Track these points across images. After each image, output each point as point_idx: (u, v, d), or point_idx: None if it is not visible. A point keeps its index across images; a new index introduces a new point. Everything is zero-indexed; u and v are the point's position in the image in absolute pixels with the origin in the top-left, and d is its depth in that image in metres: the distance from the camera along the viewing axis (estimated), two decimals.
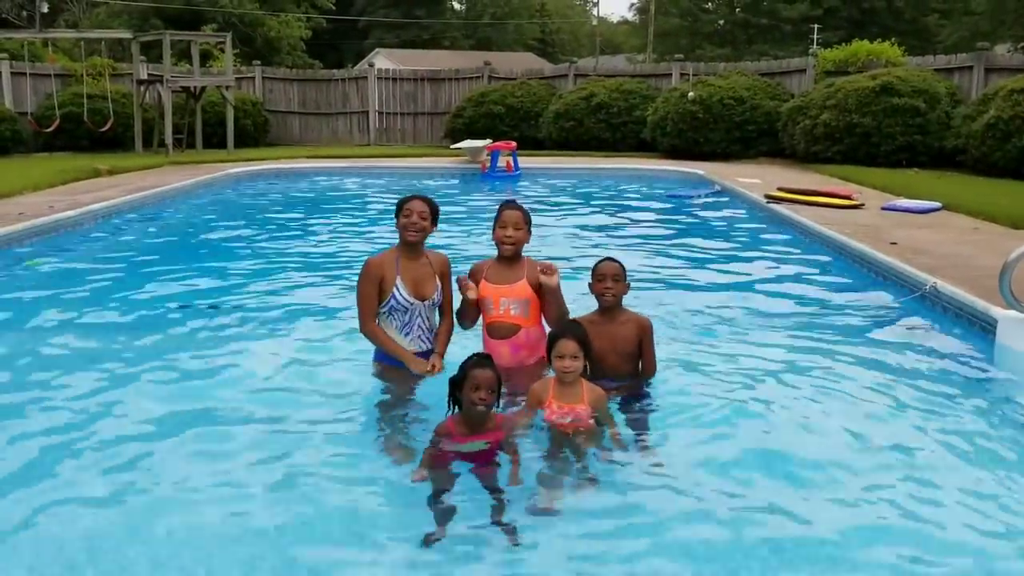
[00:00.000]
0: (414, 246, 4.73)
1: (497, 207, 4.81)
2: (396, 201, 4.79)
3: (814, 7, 47.66)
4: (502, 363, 4.61)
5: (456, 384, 3.82)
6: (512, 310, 4.65)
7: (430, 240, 4.86)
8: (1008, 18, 31.85)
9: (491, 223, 4.76)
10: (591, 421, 4.02)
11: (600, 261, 4.64)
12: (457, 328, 4.91)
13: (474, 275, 4.78)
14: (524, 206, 4.79)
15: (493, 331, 4.72)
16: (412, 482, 3.65)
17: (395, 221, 4.75)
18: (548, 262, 4.65)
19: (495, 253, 4.77)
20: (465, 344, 4.82)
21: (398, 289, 4.65)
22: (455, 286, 4.80)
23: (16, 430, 4.25)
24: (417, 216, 4.67)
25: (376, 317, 4.72)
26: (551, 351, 4.05)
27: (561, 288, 4.61)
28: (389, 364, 4.74)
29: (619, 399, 4.45)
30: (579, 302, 4.89)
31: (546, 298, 4.61)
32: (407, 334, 4.74)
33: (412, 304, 4.68)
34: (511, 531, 3.28)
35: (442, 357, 4.70)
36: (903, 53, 19.40)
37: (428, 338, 4.82)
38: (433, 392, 4.39)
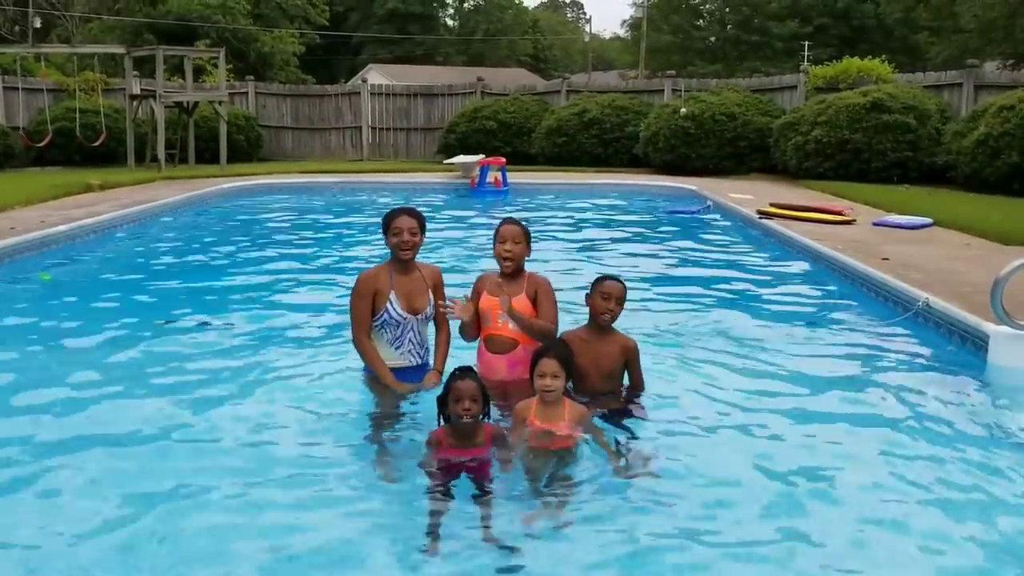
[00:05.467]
0: (407, 261, 4.73)
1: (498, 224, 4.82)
2: (382, 216, 4.80)
3: (805, 24, 48.02)
4: (499, 378, 4.60)
5: (442, 401, 3.85)
6: (511, 324, 4.63)
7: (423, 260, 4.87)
8: (997, 36, 32.06)
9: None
10: (574, 439, 3.96)
11: (606, 279, 4.58)
12: (458, 340, 4.89)
13: (477, 286, 4.77)
14: (518, 222, 4.78)
15: (491, 344, 4.70)
16: (392, 477, 3.81)
17: (384, 237, 4.75)
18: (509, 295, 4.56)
19: (487, 266, 4.78)
20: (462, 359, 4.80)
21: (391, 304, 4.64)
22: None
23: (4, 444, 4.22)
24: (408, 234, 4.66)
25: (369, 331, 4.71)
26: (533, 369, 4.02)
27: (552, 297, 4.58)
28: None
29: (601, 415, 4.41)
30: (572, 316, 4.88)
31: (545, 299, 4.60)
32: (398, 348, 4.73)
33: (405, 319, 4.68)
34: (498, 542, 3.29)
35: (441, 373, 4.66)
36: (893, 70, 19.54)
37: (419, 352, 4.80)
38: (422, 405, 4.40)
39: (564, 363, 3.99)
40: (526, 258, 4.75)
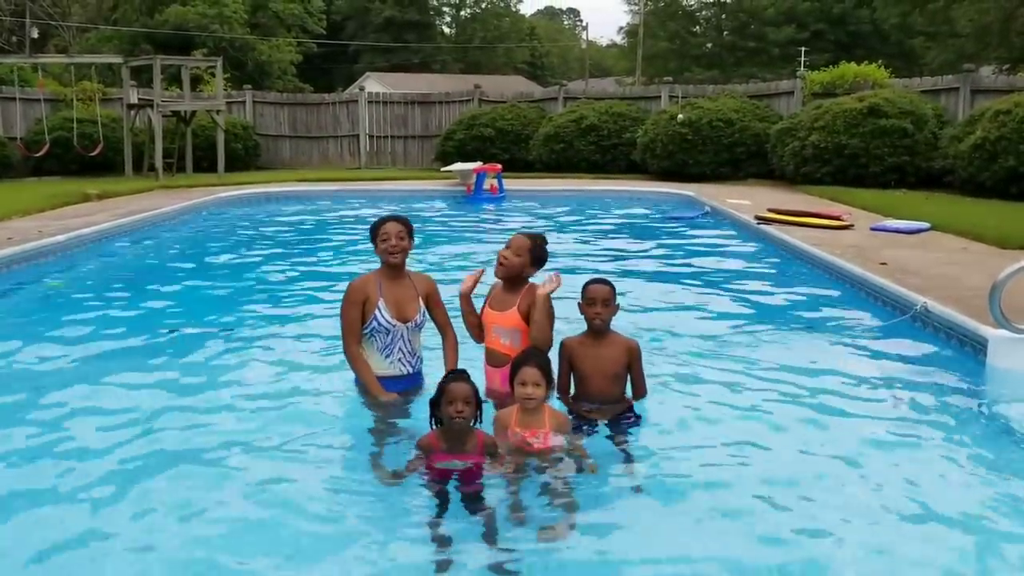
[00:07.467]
0: (397, 268, 4.72)
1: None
2: (370, 226, 4.79)
3: (801, 30, 48.09)
4: (496, 388, 4.60)
5: (435, 403, 3.84)
6: (502, 339, 4.62)
7: (419, 265, 4.86)
8: (993, 40, 32.09)
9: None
10: (555, 445, 3.95)
11: (591, 283, 4.58)
12: (472, 344, 4.88)
13: (487, 296, 4.76)
14: (538, 238, 4.70)
15: (488, 357, 4.72)
16: (388, 481, 3.81)
17: (372, 246, 4.75)
18: (554, 274, 4.56)
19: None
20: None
21: (380, 311, 4.63)
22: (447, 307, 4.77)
23: (3, 453, 4.22)
24: (395, 238, 4.65)
25: (359, 340, 4.70)
26: (513, 378, 4.02)
27: (548, 309, 4.50)
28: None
29: (606, 422, 4.42)
30: (571, 325, 4.87)
31: (531, 311, 4.51)
32: (387, 356, 4.72)
33: (394, 326, 4.66)
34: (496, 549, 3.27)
35: None
36: (890, 75, 19.58)
37: (410, 361, 4.78)
38: (416, 415, 4.40)
39: (544, 372, 4.00)
40: (530, 276, 4.69)
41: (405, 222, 4.75)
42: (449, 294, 5.05)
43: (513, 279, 4.64)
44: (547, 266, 4.74)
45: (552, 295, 4.49)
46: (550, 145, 20.95)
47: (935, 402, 5.01)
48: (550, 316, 4.53)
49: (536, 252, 4.65)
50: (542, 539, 3.37)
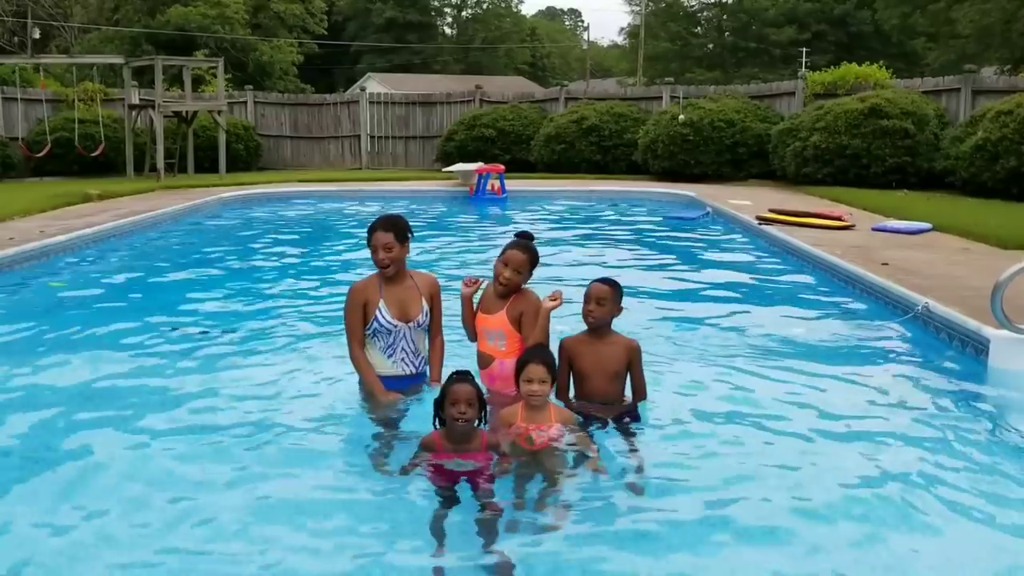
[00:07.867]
0: (392, 275, 4.70)
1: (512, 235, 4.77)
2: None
3: (802, 31, 48.18)
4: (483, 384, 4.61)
5: (439, 404, 3.86)
6: (488, 340, 4.66)
7: (420, 266, 4.85)
8: (994, 41, 32.10)
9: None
10: (563, 441, 3.97)
11: (592, 281, 4.62)
12: (468, 343, 4.88)
13: (481, 299, 4.77)
14: (533, 246, 4.67)
15: (477, 358, 4.75)
16: (399, 474, 3.83)
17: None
18: (557, 291, 4.58)
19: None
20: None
21: (381, 312, 4.63)
22: (449, 307, 4.77)
23: (7, 454, 4.22)
24: (383, 251, 4.60)
25: (363, 342, 4.69)
26: (519, 375, 4.04)
27: (547, 323, 4.53)
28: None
29: (605, 422, 4.41)
30: (566, 324, 4.87)
31: (531, 320, 4.53)
32: (390, 356, 4.71)
33: (396, 327, 4.66)
34: (503, 558, 3.25)
35: (439, 381, 4.62)
36: (891, 76, 19.57)
37: (413, 361, 4.78)
38: (419, 415, 4.40)
39: (550, 369, 4.03)
40: (525, 284, 4.67)
41: (394, 227, 4.65)
42: (450, 298, 5.06)
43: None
44: (548, 269, 4.72)
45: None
46: (551, 145, 20.94)
47: (936, 403, 5.00)
48: (546, 331, 4.55)
49: (534, 263, 4.66)
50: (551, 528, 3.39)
